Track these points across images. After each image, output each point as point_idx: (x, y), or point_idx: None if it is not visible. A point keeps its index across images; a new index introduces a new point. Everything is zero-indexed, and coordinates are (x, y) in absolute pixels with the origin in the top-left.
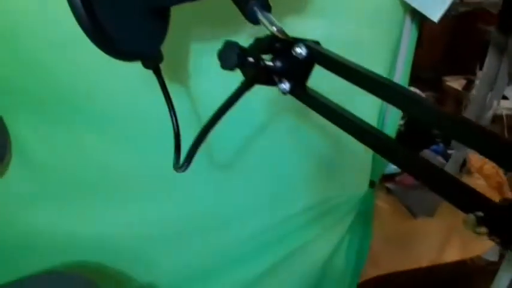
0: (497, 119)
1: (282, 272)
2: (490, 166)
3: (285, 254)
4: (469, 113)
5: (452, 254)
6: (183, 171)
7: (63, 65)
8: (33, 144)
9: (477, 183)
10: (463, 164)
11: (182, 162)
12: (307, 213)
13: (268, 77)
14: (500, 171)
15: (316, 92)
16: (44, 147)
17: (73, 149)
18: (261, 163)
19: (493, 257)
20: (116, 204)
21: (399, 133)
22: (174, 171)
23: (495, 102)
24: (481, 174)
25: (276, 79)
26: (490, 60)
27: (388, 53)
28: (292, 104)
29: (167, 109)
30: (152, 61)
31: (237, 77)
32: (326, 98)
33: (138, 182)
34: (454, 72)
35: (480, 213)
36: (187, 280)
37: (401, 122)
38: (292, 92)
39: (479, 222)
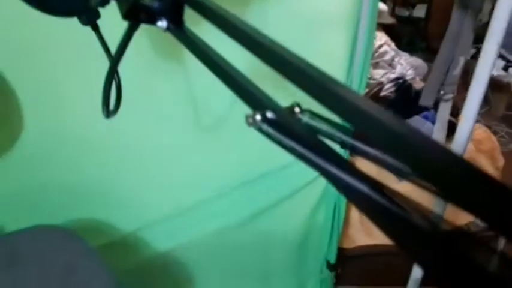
0: (504, 87)
1: (266, 224)
2: (481, 131)
3: (269, 205)
4: (434, 71)
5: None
6: (109, 117)
7: None
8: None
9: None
10: (453, 129)
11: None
12: (292, 167)
13: (148, 16)
14: (493, 137)
15: (194, 34)
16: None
17: (58, 110)
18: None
19: None
20: (102, 156)
21: (390, 100)
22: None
23: (461, 59)
24: (472, 138)
25: (156, 17)
26: (454, 14)
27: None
28: None
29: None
30: (87, 18)
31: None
32: (202, 41)
33: (125, 136)
34: None
35: None
36: (170, 231)
37: (393, 89)
38: (168, 29)
39: None
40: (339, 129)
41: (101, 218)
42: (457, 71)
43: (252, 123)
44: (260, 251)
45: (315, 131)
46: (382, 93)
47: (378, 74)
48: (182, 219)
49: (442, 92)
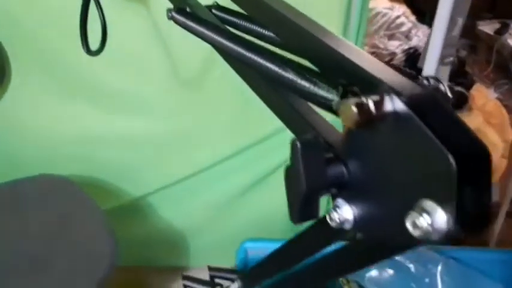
0: None
1: (252, 193)
2: (493, 103)
3: (255, 176)
4: (435, 32)
5: None
6: (92, 55)
7: None
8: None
9: (475, 119)
10: (465, 101)
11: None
12: (276, 136)
13: None
14: (503, 109)
15: None
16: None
17: (63, 62)
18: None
19: (493, 197)
20: (104, 118)
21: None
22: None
23: (459, 20)
24: (483, 110)
25: None
26: None
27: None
28: None
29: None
30: None
31: None
32: None
33: (124, 98)
34: (492, 16)
35: None
36: (168, 197)
37: (404, 59)
38: None
39: None
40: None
41: (103, 184)
42: (456, 32)
43: (171, 16)
44: (260, 221)
45: (223, 21)
46: (393, 63)
47: (393, 45)
48: (183, 185)
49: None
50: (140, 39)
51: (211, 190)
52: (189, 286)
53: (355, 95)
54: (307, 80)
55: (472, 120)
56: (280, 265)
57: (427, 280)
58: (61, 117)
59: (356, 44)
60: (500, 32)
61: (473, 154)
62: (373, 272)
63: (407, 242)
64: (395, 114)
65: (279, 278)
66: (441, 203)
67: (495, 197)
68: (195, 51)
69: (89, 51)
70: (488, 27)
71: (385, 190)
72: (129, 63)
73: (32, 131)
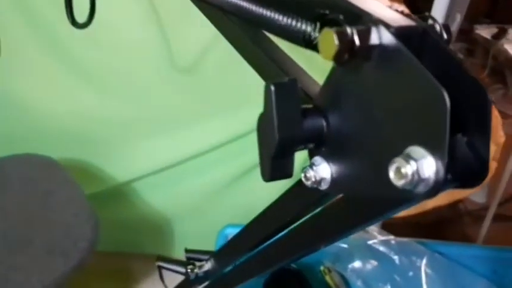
0: None
1: (241, 182)
2: None
3: (244, 165)
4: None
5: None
6: (78, 27)
7: None
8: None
9: None
10: None
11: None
12: None
13: None
14: (496, 112)
15: None
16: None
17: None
18: (224, 74)
19: (482, 199)
20: (95, 97)
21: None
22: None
23: (458, 16)
24: None
25: None
26: None
27: None
28: None
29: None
30: None
31: None
32: None
33: (117, 79)
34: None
35: None
36: (160, 180)
37: None
38: None
39: None
40: None
41: (87, 167)
42: (454, 27)
43: None
44: (246, 209)
45: None
46: None
47: None
48: (167, 173)
49: None
50: (136, 19)
51: (199, 177)
52: (163, 266)
53: (337, 25)
54: (282, 13)
55: None
56: (256, 237)
57: (411, 273)
58: (51, 95)
59: None
60: (497, 36)
61: (470, 95)
62: (356, 263)
63: (389, 195)
64: (382, 47)
65: (253, 253)
66: (431, 148)
67: (484, 199)
68: (192, 35)
69: (74, 23)
70: (485, 31)
71: (368, 142)
72: (124, 44)
73: (20, 108)
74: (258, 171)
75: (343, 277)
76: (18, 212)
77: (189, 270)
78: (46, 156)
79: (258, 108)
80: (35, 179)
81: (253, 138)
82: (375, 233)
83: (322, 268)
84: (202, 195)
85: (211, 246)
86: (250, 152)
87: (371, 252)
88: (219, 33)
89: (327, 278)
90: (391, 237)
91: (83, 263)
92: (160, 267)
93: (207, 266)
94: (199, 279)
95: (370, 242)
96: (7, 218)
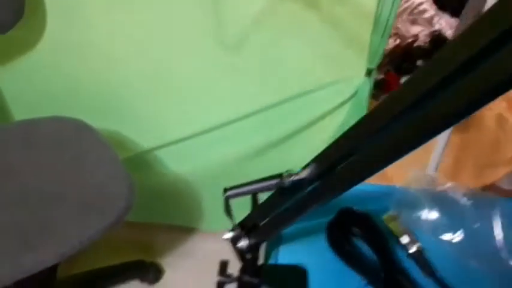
0: None
1: (281, 154)
2: None
3: (287, 134)
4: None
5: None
6: None
7: None
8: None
9: (498, 105)
10: None
11: None
12: (301, 99)
13: None
14: None
15: None
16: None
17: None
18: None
19: (509, 185)
20: (124, 60)
21: (423, 50)
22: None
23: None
24: (507, 97)
25: None
26: None
27: None
28: None
29: None
30: None
31: None
32: None
33: (148, 40)
34: None
35: None
36: (185, 153)
37: (427, 40)
38: None
39: None
40: None
41: (117, 132)
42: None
43: None
44: None
45: None
46: (416, 44)
47: (415, 30)
48: (197, 141)
49: None
50: None
51: (229, 146)
52: (235, 194)
53: None
54: None
55: (496, 106)
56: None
57: (482, 222)
58: (85, 60)
59: (385, 30)
60: None
61: None
62: (424, 211)
63: None
64: None
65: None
66: None
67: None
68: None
69: None
70: None
71: None
72: (163, 10)
73: (52, 71)
74: (291, 140)
75: (408, 225)
76: (51, 171)
77: (286, 175)
78: (77, 119)
79: (293, 76)
80: (67, 140)
81: (287, 107)
82: (443, 181)
83: (385, 216)
84: (231, 164)
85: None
86: (282, 121)
87: (439, 200)
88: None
89: (391, 225)
90: (461, 185)
91: (119, 221)
92: (228, 198)
93: (305, 173)
94: (290, 189)
95: (438, 189)
96: (41, 176)
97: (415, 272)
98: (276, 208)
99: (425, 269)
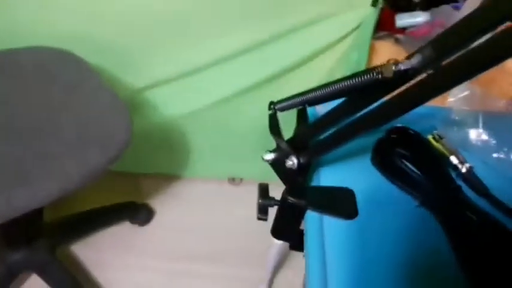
0: None
1: (278, 91)
2: None
3: (282, 69)
4: None
5: None
6: None
7: None
8: None
9: None
10: None
11: None
12: (309, 27)
13: None
14: None
15: None
16: None
17: None
18: None
19: None
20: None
21: None
22: None
23: None
24: None
25: None
26: None
27: None
28: None
29: None
30: None
31: None
32: None
33: None
34: None
35: None
36: (176, 95)
37: None
38: None
39: None
40: None
41: (106, 73)
42: None
43: None
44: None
45: None
46: None
47: None
48: (188, 82)
49: None
50: None
51: (218, 89)
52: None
53: None
54: None
55: None
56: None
57: None
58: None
59: None
60: None
61: None
62: (471, 132)
63: None
64: None
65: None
66: None
67: None
68: None
69: None
70: None
71: None
72: None
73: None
74: (279, 81)
75: (455, 145)
76: (41, 102)
77: (385, 66)
78: (61, 48)
79: (287, 13)
80: (53, 70)
81: (276, 47)
82: (492, 98)
83: (431, 136)
84: (220, 108)
85: (230, 166)
86: (271, 62)
87: (488, 119)
88: None
89: (438, 145)
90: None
91: (119, 155)
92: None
93: (416, 60)
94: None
95: (487, 108)
96: (31, 107)
97: (468, 193)
98: (344, 117)
99: (479, 188)
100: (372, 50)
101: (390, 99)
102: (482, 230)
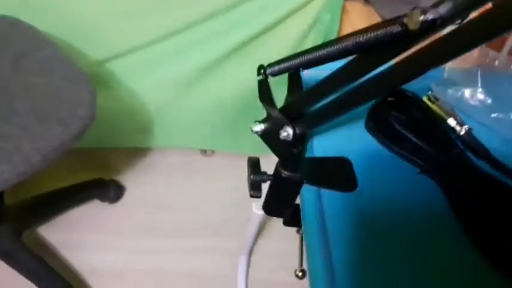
0: None
1: (245, 59)
2: None
3: (251, 35)
4: None
5: None
6: None
7: None
8: None
9: None
10: None
11: None
12: None
13: None
14: None
15: None
16: None
17: None
18: None
19: None
20: None
21: None
22: None
23: None
24: None
25: None
26: None
27: None
28: None
29: None
30: None
31: None
32: None
33: None
34: None
35: None
36: (142, 61)
37: None
38: None
39: None
40: None
41: (66, 45)
42: None
43: None
44: (239, 90)
45: None
46: None
47: None
48: (152, 51)
49: None
50: None
51: (180, 62)
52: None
53: None
54: None
55: None
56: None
57: None
58: None
59: None
60: None
61: None
62: (466, 91)
63: None
64: None
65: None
66: None
67: None
68: None
69: None
70: None
71: None
72: None
73: None
74: (244, 52)
75: (452, 106)
76: None
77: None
78: (8, 15)
79: None
80: (2, 38)
81: (244, 11)
82: (489, 55)
83: (425, 97)
84: (184, 81)
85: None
86: (240, 27)
87: (486, 77)
88: None
89: (434, 106)
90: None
91: (83, 132)
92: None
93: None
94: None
95: (482, 65)
96: None
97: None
98: (348, 82)
99: (479, 151)
100: (342, 10)
101: (409, 58)
102: (489, 196)
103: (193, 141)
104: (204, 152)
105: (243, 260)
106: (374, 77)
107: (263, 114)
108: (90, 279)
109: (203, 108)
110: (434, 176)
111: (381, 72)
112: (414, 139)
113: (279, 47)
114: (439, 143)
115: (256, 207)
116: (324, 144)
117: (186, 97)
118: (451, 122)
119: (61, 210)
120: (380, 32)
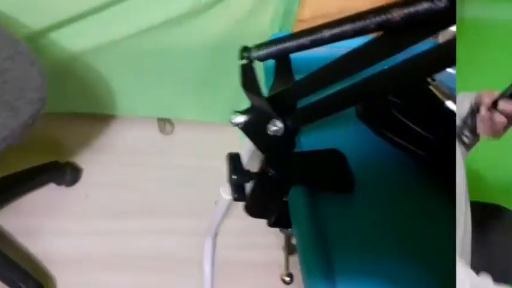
0: None
1: (195, 24)
2: None
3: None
4: None
5: None
6: None
7: None
8: None
9: None
10: None
11: None
12: None
13: None
14: None
15: None
16: None
17: None
18: None
19: None
20: None
21: None
22: None
23: None
24: None
25: None
26: None
27: None
28: None
29: None
30: None
31: None
32: None
33: None
34: None
35: None
36: (82, 30)
37: None
38: None
39: None
40: None
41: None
42: None
43: None
44: (186, 57)
45: None
46: None
47: None
48: (95, 16)
49: None
50: None
51: (130, 22)
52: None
53: None
54: None
55: None
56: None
57: None
58: None
59: None
60: None
61: None
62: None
63: None
64: None
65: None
66: None
67: None
68: None
69: None
70: None
71: None
72: None
73: None
74: (197, 17)
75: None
76: None
77: None
78: None
79: None
80: None
81: None
82: None
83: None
84: (135, 43)
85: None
86: None
87: None
88: None
89: (432, 88)
90: None
91: (35, 117)
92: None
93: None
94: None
95: None
96: None
97: None
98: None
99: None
100: None
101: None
102: None
103: (149, 109)
104: (163, 129)
105: (208, 241)
106: (396, 65)
107: (233, 78)
108: (50, 266)
109: (162, 71)
110: (437, 171)
111: (405, 60)
112: (413, 128)
113: (230, 16)
114: (443, 134)
115: (224, 191)
116: (312, 138)
117: (137, 62)
118: (450, 104)
119: (15, 196)
120: (420, 7)
